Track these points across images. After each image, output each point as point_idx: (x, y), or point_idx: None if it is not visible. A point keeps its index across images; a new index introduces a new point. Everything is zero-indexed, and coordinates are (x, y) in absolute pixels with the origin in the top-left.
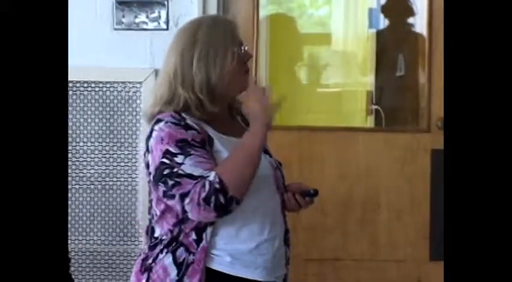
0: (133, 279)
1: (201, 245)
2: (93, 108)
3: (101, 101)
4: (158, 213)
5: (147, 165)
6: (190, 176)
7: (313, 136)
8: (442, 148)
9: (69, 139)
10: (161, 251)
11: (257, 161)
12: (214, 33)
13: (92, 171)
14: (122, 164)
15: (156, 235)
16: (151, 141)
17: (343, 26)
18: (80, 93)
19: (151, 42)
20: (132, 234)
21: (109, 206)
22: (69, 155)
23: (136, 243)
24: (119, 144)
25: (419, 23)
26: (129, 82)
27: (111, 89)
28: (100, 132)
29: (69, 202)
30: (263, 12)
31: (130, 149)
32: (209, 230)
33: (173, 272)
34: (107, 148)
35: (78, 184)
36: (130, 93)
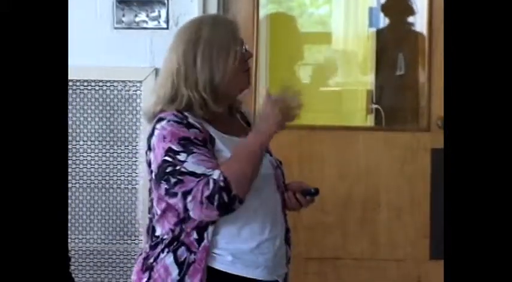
0: (135, 278)
1: (203, 244)
2: (93, 107)
3: (101, 100)
4: (159, 212)
5: (149, 164)
6: (192, 174)
7: (313, 135)
8: (442, 147)
9: (69, 138)
10: (162, 250)
11: (260, 161)
12: (216, 32)
13: (92, 170)
14: (122, 162)
15: (157, 234)
16: (154, 140)
17: (343, 25)
18: (80, 92)
19: (152, 41)
20: (132, 233)
21: (109, 205)
22: (69, 154)
23: (136, 242)
24: (119, 143)
25: (420, 22)
26: (129, 81)
27: (111, 88)
28: (100, 131)
29: (69, 201)
30: (263, 12)
31: (130, 148)
32: (210, 229)
33: (174, 271)
34: (107, 147)
35: (78, 183)
36: (131, 92)
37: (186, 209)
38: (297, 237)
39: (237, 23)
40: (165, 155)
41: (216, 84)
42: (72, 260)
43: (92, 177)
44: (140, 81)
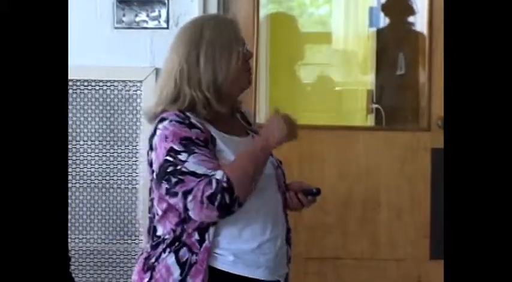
0: (136, 278)
1: (204, 245)
2: (93, 107)
3: (101, 99)
4: (160, 212)
5: (150, 164)
6: (193, 174)
7: (314, 135)
8: (442, 147)
9: (70, 138)
10: (164, 250)
11: (262, 167)
12: (219, 33)
13: (92, 170)
14: (122, 162)
15: (158, 234)
16: (155, 140)
17: (343, 24)
18: (80, 92)
19: (152, 41)
20: (132, 232)
21: (109, 205)
22: (70, 154)
23: (136, 242)
24: (119, 143)
25: (420, 21)
26: (130, 81)
27: (112, 88)
28: (100, 131)
29: (69, 201)
30: (263, 11)
31: (130, 147)
32: (211, 230)
33: (176, 271)
34: (107, 147)
35: (79, 183)
36: (131, 92)
37: (186, 209)
38: (297, 237)
39: (238, 23)
40: (167, 155)
41: (219, 84)
42: (72, 260)
43: (92, 177)
44: (140, 81)
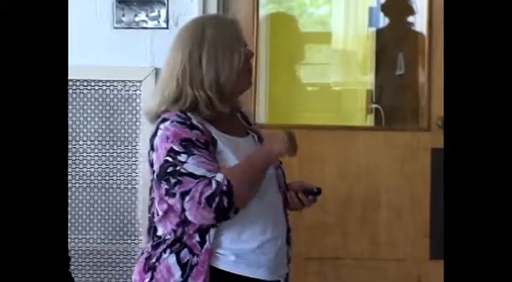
0: (137, 277)
1: (205, 246)
2: (93, 107)
3: (100, 99)
4: (161, 213)
5: (151, 164)
6: (192, 175)
7: (313, 135)
8: (442, 147)
9: (69, 138)
10: (164, 251)
11: (263, 176)
12: (220, 32)
13: (92, 170)
14: (122, 162)
15: (158, 234)
16: (157, 140)
17: (343, 24)
18: (80, 92)
19: (151, 41)
20: (132, 232)
21: (109, 205)
22: (69, 154)
23: (136, 242)
24: (118, 143)
25: (419, 21)
26: (129, 81)
27: (111, 88)
28: (100, 131)
29: (69, 201)
30: (263, 11)
31: (130, 147)
32: (212, 231)
33: (177, 273)
34: (107, 147)
35: (78, 183)
36: (130, 92)
37: (183, 210)
38: (297, 237)
39: (239, 23)
40: (167, 155)
41: (222, 83)
42: (72, 260)
43: (92, 177)
44: (140, 81)
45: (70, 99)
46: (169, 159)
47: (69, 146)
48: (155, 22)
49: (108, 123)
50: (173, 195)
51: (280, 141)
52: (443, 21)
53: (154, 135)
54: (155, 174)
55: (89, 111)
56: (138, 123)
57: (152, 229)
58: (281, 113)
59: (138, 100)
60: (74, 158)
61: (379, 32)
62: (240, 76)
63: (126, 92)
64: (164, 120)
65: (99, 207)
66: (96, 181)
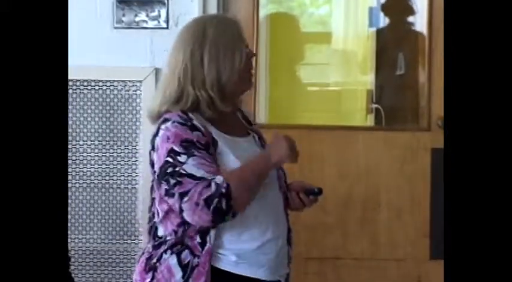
0: (138, 278)
1: (206, 247)
2: (93, 107)
3: (101, 99)
4: (161, 213)
5: (152, 164)
6: (191, 176)
7: (313, 135)
8: (442, 147)
9: (69, 138)
10: (165, 252)
11: (262, 181)
12: (222, 32)
13: (92, 169)
14: (122, 162)
15: (159, 234)
16: (157, 140)
17: (343, 24)
18: (80, 92)
19: (152, 41)
20: (132, 232)
21: (109, 205)
22: (69, 154)
23: (136, 242)
24: (118, 143)
25: (420, 21)
26: (129, 81)
27: (111, 88)
28: (100, 130)
29: (69, 201)
30: (263, 11)
31: (130, 147)
32: (212, 232)
33: (178, 273)
34: (107, 147)
35: (78, 183)
36: (131, 92)
37: (181, 210)
38: (297, 237)
39: (240, 23)
40: (167, 156)
41: (223, 83)
42: (72, 260)
43: (92, 177)
44: (140, 81)
45: (70, 99)
46: (170, 159)
47: (69, 146)
48: (155, 22)
49: (108, 123)
50: (172, 195)
51: (283, 149)
52: (443, 21)
53: (156, 135)
54: (156, 175)
55: (89, 111)
56: (138, 123)
57: (153, 229)
58: (281, 113)
59: (138, 100)
60: (74, 158)
61: (379, 32)
62: (242, 76)
63: (126, 92)
64: (165, 120)
65: (99, 207)
66: (96, 181)
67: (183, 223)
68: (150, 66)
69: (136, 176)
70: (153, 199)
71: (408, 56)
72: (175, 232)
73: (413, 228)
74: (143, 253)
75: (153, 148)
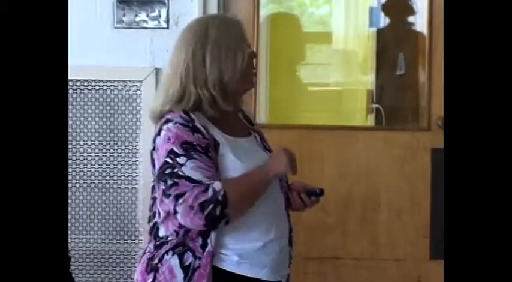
0: (139, 278)
1: (207, 249)
2: (93, 107)
3: (101, 99)
4: (163, 213)
5: (154, 164)
6: (188, 179)
7: (313, 135)
8: (442, 147)
9: (69, 138)
10: (167, 252)
11: (260, 194)
12: (224, 32)
13: (92, 169)
14: (122, 162)
15: (161, 235)
16: (159, 140)
17: (343, 24)
18: (80, 92)
19: (152, 41)
20: (132, 232)
21: (109, 205)
22: (69, 154)
23: (136, 242)
24: (119, 143)
25: (420, 21)
26: (130, 81)
27: (112, 88)
28: (100, 131)
29: (69, 201)
30: (263, 11)
31: (130, 147)
32: (213, 234)
33: (180, 275)
34: (107, 147)
35: (79, 183)
36: (131, 92)
37: (175, 212)
38: (297, 237)
39: (242, 23)
40: (167, 156)
41: (225, 83)
42: (72, 260)
43: (92, 177)
44: (140, 81)
45: (70, 99)
46: (169, 160)
47: (69, 146)
48: (156, 22)
49: (108, 123)
50: (168, 196)
51: (283, 163)
52: (443, 21)
53: (157, 135)
54: (155, 175)
55: (89, 111)
56: (138, 123)
57: (154, 229)
58: (281, 113)
59: (138, 100)
60: (74, 158)
61: (380, 32)
62: (244, 76)
63: (127, 92)
64: (167, 121)
65: (99, 207)
66: (96, 181)
67: None
68: (150, 66)
69: (137, 176)
70: (154, 199)
71: (408, 56)
72: (177, 233)
73: (413, 228)
74: (144, 253)
75: (154, 148)
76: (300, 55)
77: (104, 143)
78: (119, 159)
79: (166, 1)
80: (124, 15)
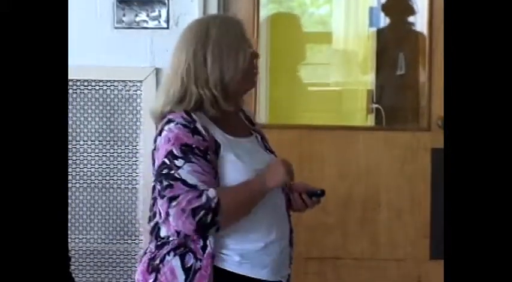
0: (140, 278)
1: (207, 251)
2: (93, 107)
3: (101, 99)
4: (164, 214)
5: (154, 164)
6: (183, 182)
7: (314, 135)
8: (442, 147)
9: (70, 138)
10: (168, 253)
11: (254, 205)
12: (225, 32)
13: (92, 170)
14: (122, 162)
15: (162, 235)
16: (159, 140)
17: (343, 24)
18: (80, 92)
19: (152, 41)
20: (132, 233)
21: (109, 205)
22: (70, 154)
23: (136, 242)
24: (119, 143)
25: (420, 21)
26: (130, 81)
27: (112, 88)
28: (100, 131)
29: (69, 201)
30: (264, 11)
31: (130, 148)
32: (212, 237)
33: (181, 276)
34: (107, 147)
35: (79, 183)
36: (131, 92)
37: (167, 214)
38: (297, 237)
39: (243, 23)
40: (165, 157)
41: (226, 82)
42: (72, 260)
43: (92, 177)
44: (140, 81)
45: (70, 99)
46: (167, 161)
47: (69, 146)
48: (156, 22)
49: (108, 123)
50: (163, 197)
51: (280, 174)
52: (443, 21)
53: (158, 135)
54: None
55: (89, 111)
56: (138, 123)
57: (155, 229)
58: (281, 113)
59: (138, 100)
60: (74, 158)
61: (380, 32)
62: (245, 76)
63: (127, 92)
64: (169, 121)
65: (99, 207)
66: (96, 181)
67: None
68: (150, 66)
69: (137, 176)
70: (154, 199)
71: (408, 56)
72: (178, 233)
73: (413, 228)
74: (145, 253)
75: (155, 148)
76: (300, 55)
77: (104, 143)
78: (119, 159)
79: (166, 1)
80: (124, 15)
